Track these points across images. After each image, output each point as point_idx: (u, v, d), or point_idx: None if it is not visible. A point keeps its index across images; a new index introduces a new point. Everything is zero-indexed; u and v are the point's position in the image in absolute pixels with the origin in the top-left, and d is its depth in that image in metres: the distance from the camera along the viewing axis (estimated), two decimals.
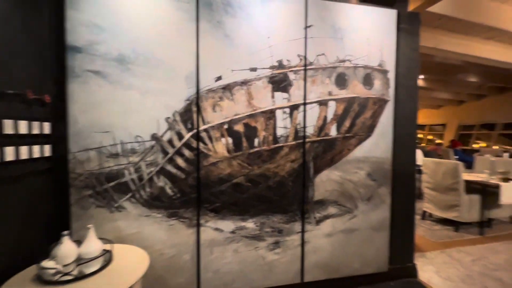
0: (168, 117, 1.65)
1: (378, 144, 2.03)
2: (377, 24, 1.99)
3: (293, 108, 1.84)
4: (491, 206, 3.27)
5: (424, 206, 3.70)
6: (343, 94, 1.93)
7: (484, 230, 3.22)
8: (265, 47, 1.77)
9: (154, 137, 1.63)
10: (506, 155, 5.94)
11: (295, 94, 1.84)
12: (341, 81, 1.92)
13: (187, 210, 1.70)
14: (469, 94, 8.34)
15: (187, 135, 1.68)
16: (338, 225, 1.98)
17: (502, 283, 2.15)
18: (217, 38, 1.71)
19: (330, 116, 1.92)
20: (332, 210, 1.97)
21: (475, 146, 8.58)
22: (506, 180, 3.19)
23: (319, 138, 1.91)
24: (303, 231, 1.91)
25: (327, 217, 1.95)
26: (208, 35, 1.69)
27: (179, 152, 1.68)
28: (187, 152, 1.69)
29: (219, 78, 1.71)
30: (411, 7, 2.12)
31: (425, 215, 3.73)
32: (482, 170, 3.75)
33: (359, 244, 2.03)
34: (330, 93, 1.90)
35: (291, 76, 1.83)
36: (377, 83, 2.00)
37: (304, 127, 1.87)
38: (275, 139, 1.82)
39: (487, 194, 3.19)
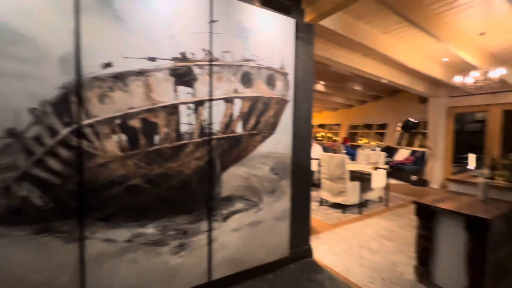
0: (35, 108, 1.31)
1: (280, 141, 2.21)
2: (278, 29, 2.15)
3: (198, 103, 1.78)
4: (366, 190, 4.10)
5: (321, 194, 4.30)
6: (249, 92, 2.00)
7: (362, 210, 4.01)
8: (165, 36, 1.64)
9: (11, 133, 1.26)
10: (378, 149, 7.57)
11: (200, 90, 1.78)
12: (247, 79, 1.98)
13: (65, 222, 1.40)
14: (356, 100, 10.24)
15: (63, 131, 1.38)
16: (245, 219, 2.05)
17: (371, 251, 2.71)
18: (105, 17, 1.46)
19: (236, 113, 1.95)
20: (239, 205, 2.02)
21: (360, 142, 10.63)
22: (376, 168, 4.06)
23: (225, 135, 1.91)
24: (210, 229, 1.88)
25: (234, 212, 1.99)
26: (92, 12, 1.43)
27: (51, 152, 1.36)
28: (64, 152, 1.39)
29: (108, 65, 1.48)
30: (306, 19, 2.38)
31: (322, 202, 4.35)
32: (361, 162, 4.65)
33: (264, 235, 2.16)
34: (236, 91, 1.94)
35: (196, 70, 1.76)
36: (279, 84, 2.16)
37: (210, 123, 1.84)
38: (179, 136, 1.72)
39: (364, 180, 3.97)
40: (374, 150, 7.15)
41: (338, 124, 12.08)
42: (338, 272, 2.28)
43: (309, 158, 2.49)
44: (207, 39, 1.80)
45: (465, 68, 4.47)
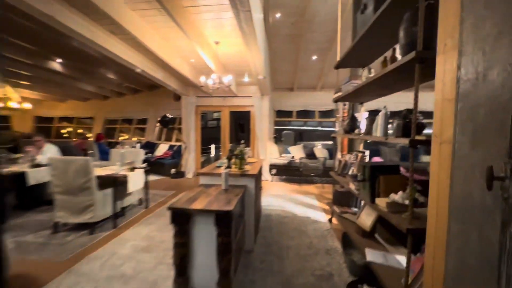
0: None
1: None
2: None
3: None
4: (123, 196, 3.42)
5: (56, 215, 2.97)
6: None
7: (118, 222, 3.27)
8: None
9: None
10: (138, 145, 7.09)
11: None
12: None
13: None
14: (112, 91, 8.94)
15: None
16: None
17: (125, 278, 2.12)
18: None
19: None
20: None
21: (120, 138, 9.52)
22: (132, 169, 3.49)
23: None
24: None
25: None
26: None
27: None
28: None
29: None
30: None
31: (57, 227, 3.02)
32: (115, 163, 3.86)
33: None
34: None
35: None
36: None
37: None
38: None
39: (118, 185, 3.25)
40: (135, 146, 6.57)
41: (91, 117, 9.98)
42: None
43: None
44: None
45: (207, 71, 5.18)
